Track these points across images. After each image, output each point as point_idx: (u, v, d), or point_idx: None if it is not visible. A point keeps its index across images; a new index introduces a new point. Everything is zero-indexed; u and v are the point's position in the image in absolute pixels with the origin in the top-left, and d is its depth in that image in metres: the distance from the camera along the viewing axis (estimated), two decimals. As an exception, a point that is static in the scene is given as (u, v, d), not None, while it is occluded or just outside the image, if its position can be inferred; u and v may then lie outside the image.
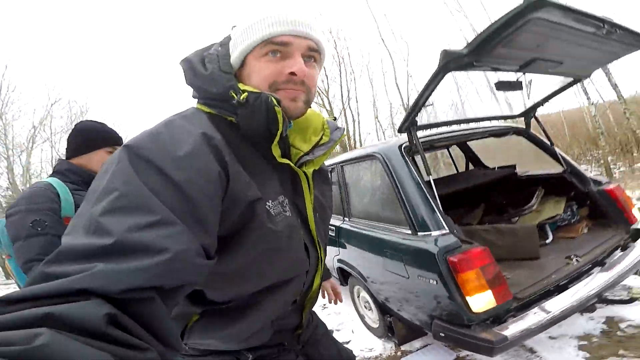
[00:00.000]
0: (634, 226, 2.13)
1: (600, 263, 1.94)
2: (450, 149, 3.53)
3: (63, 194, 1.35)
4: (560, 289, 1.77)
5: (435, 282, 1.60)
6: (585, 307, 1.72)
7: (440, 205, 1.74)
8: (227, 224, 0.60)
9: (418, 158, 2.13)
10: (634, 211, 2.17)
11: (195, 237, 0.48)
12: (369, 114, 17.81)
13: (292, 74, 0.67)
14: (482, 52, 1.43)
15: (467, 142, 2.85)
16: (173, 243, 0.44)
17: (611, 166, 9.12)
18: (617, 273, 1.81)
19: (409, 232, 1.78)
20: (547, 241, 2.26)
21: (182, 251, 0.44)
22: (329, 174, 0.98)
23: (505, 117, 2.52)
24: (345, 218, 2.55)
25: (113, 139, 1.51)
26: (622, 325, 2.10)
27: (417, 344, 2.38)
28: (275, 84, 0.68)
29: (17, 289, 1.06)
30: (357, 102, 16.48)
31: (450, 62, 1.47)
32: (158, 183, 0.48)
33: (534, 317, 1.60)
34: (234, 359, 0.87)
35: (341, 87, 16.08)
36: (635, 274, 2.00)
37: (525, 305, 1.71)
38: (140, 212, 0.44)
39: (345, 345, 1.23)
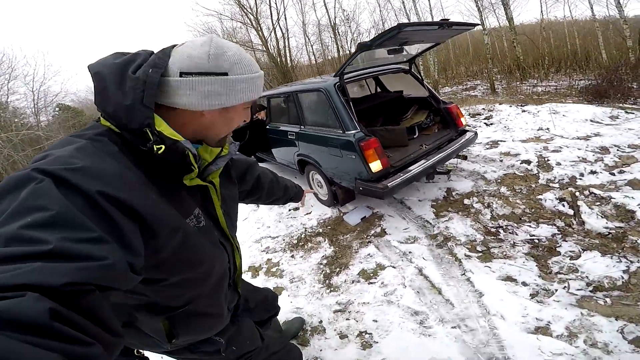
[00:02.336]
0: (460, 129, 3.54)
1: (438, 148, 3.29)
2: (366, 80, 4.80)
3: None
4: (415, 162, 3.09)
5: (354, 157, 2.86)
6: (427, 174, 3.13)
7: (355, 116, 2.93)
8: (169, 248, 0.68)
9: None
10: (462, 120, 3.56)
11: (124, 255, 0.51)
12: (298, 31, 18.11)
13: (246, 121, 0.84)
14: (377, 44, 2.51)
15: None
16: (110, 255, 0.47)
17: (496, 83, 11.25)
18: (446, 154, 3.17)
19: (341, 131, 2.97)
20: (415, 136, 3.70)
21: (117, 261, 0.48)
22: (231, 171, 1.04)
23: (397, 63, 3.78)
24: (301, 126, 3.60)
25: None
26: (454, 193, 3.44)
27: (350, 207, 3.67)
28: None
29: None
30: (285, 19, 16.97)
31: (363, 47, 2.55)
32: (88, 208, 0.49)
33: (401, 177, 2.89)
34: (213, 348, 1.04)
35: (270, 6, 16.12)
36: (457, 157, 3.48)
37: (397, 170, 3.00)
38: (76, 229, 0.46)
39: (266, 287, 1.56)
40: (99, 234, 0.48)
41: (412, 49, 3.40)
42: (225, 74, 0.70)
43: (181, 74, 0.68)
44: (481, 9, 11.98)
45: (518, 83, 10.98)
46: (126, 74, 0.66)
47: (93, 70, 0.67)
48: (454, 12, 29.63)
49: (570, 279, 2.13)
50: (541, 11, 12.97)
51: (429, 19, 14.36)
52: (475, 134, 3.56)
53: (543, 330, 1.83)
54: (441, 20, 2.55)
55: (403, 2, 14.05)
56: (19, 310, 0.35)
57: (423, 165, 3.04)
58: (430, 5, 14.31)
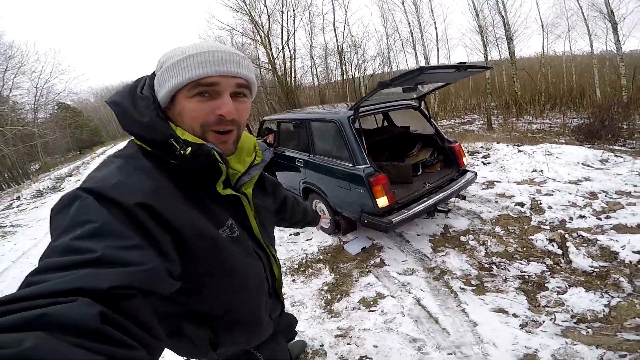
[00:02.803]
0: (462, 168, 3.71)
1: (440, 187, 3.44)
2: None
3: None
4: (418, 199, 3.23)
5: (363, 191, 2.99)
6: (428, 212, 3.26)
7: (366, 151, 3.08)
8: (203, 258, 0.71)
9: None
10: (464, 160, 3.74)
11: (162, 261, 0.56)
12: (305, 53, 18.62)
13: (222, 115, 0.71)
14: (396, 83, 2.65)
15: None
16: (149, 261, 0.52)
17: (492, 118, 11.58)
18: (447, 194, 3.31)
19: (351, 165, 3.10)
20: (419, 173, 3.85)
21: (156, 266, 0.53)
22: (264, 181, 1.07)
23: (408, 99, 3.99)
24: (310, 154, 3.69)
25: None
26: (451, 230, 3.59)
27: (351, 236, 3.79)
28: (206, 125, 0.71)
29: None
30: (294, 40, 17.24)
31: (383, 85, 2.64)
32: (126, 220, 0.55)
33: (404, 214, 3.01)
34: None
35: (282, 26, 16.61)
36: (457, 196, 3.66)
37: (401, 207, 3.11)
38: (118, 238, 0.51)
39: (289, 312, 1.54)
40: (138, 242, 0.53)
41: (424, 87, 3.59)
42: (161, 69, 0.73)
43: None
44: (486, 44, 12.42)
45: (514, 119, 11.35)
46: (136, 95, 0.72)
47: (110, 101, 0.74)
48: (458, 45, 30.53)
49: (556, 312, 2.32)
50: (542, 47, 13.41)
51: (435, 50, 15.11)
52: (475, 174, 3.73)
53: (531, 357, 2.00)
54: (458, 63, 2.73)
55: (411, 32, 14.69)
56: (71, 314, 0.37)
57: (425, 203, 3.18)
58: (437, 36, 14.78)
